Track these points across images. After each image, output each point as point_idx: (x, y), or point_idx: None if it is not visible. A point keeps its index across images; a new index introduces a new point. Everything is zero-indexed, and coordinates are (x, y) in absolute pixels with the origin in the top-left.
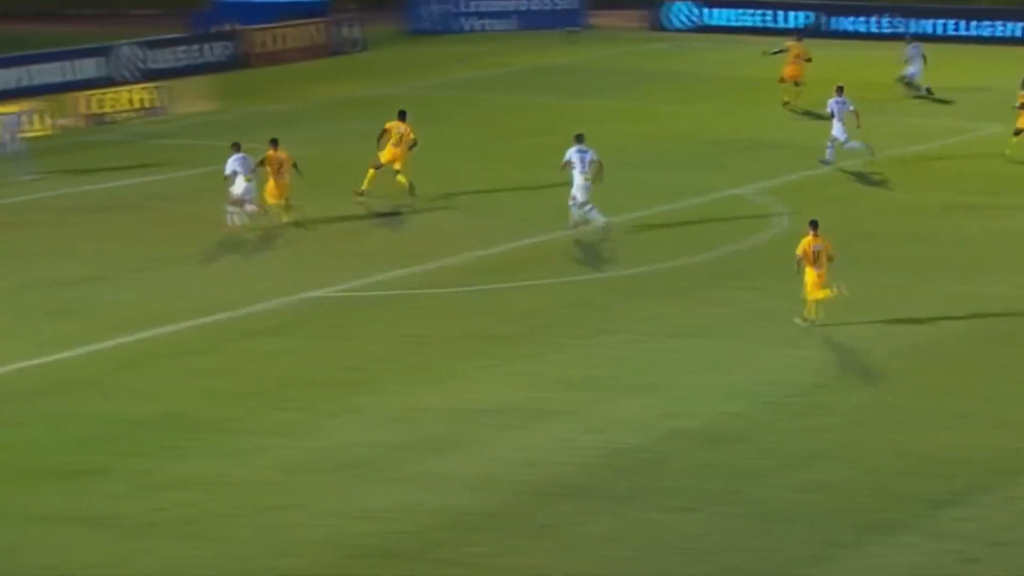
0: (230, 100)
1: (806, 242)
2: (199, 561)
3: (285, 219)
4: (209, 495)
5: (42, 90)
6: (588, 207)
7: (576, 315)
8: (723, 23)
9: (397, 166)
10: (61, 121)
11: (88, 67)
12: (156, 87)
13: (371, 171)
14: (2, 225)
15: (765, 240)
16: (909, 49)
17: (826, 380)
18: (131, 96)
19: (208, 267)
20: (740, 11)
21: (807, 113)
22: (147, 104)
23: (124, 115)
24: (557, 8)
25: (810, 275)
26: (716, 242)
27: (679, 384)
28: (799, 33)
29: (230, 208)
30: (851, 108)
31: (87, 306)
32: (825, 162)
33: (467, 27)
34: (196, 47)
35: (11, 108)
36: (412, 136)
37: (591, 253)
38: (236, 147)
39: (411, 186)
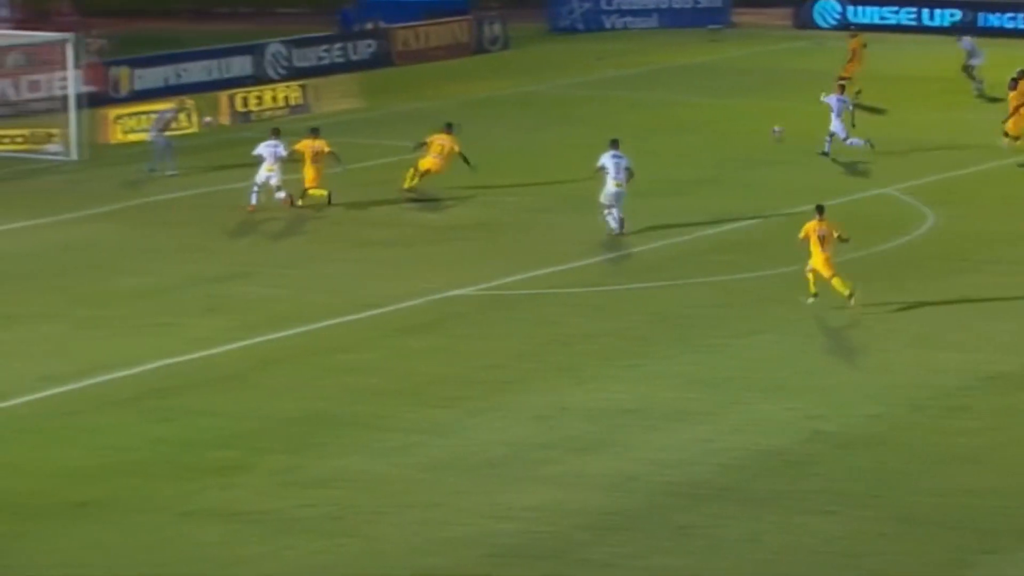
0: (373, 98)
1: (810, 226)
2: (342, 558)
3: (300, 202)
4: (352, 492)
5: (191, 88)
6: (612, 210)
7: (720, 315)
8: (869, 21)
9: (426, 165)
10: (208, 119)
11: (236, 65)
12: (301, 85)
13: (412, 170)
14: (152, 223)
15: (911, 240)
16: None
17: (967, 382)
18: (277, 94)
19: (355, 264)
20: (886, 9)
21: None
22: (292, 102)
23: (270, 113)
24: (700, 6)
25: (818, 257)
26: (861, 242)
27: (820, 386)
28: (853, 28)
29: (255, 188)
30: (850, 108)
31: (235, 302)
32: (824, 154)
33: (609, 25)
34: (341, 45)
35: (161, 105)
36: (457, 149)
37: (736, 253)
38: (275, 133)
39: (412, 188)
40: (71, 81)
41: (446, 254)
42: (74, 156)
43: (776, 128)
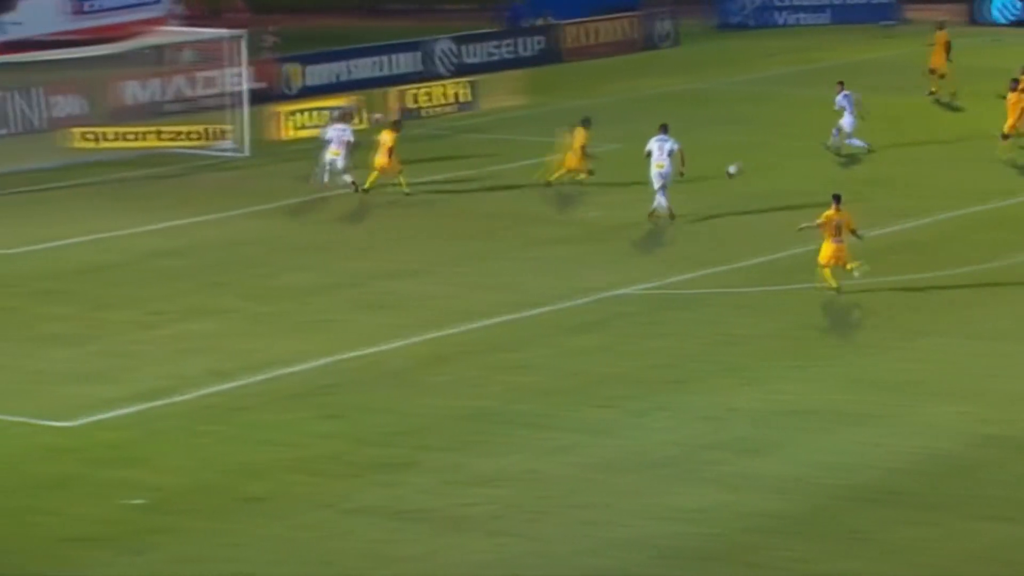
0: (541, 95)
1: (829, 215)
2: (505, 558)
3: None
4: (516, 491)
5: (360, 85)
6: (658, 193)
7: (892, 316)
8: None
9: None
10: (377, 115)
11: (403, 62)
12: (469, 82)
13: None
14: (320, 219)
15: None
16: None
17: None
18: (444, 91)
19: (520, 262)
20: None
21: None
22: (460, 99)
23: (437, 110)
24: (872, 2)
25: (828, 247)
26: None
27: (994, 390)
28: (941, 23)
29: (319, 170)
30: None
31: (400, 300)
32: (830, 146)
33: (780, 21)
34: (509, 42)
35: (335, 102)
36: (580, 143)
37: (905, 254)
38: (344, 117)
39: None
40: (244, 77)
41: (612, 252)
42: (246, 152)
43: (731, 168)
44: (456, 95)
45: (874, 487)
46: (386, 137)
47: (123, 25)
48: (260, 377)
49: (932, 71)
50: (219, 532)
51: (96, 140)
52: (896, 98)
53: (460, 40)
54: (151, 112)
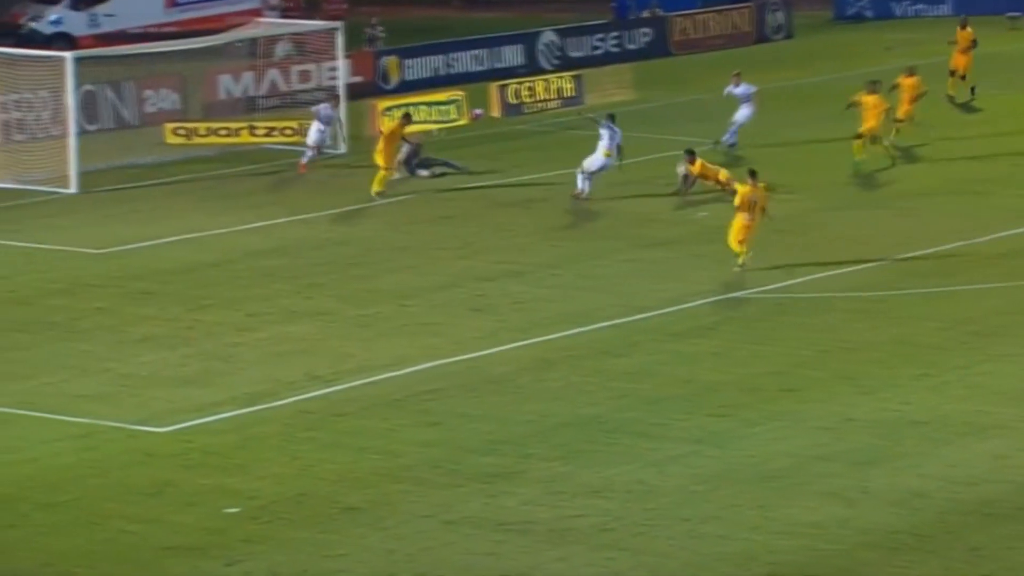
0: (649, 89)
1: (745, 191)
2: (612, 573)
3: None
4: (624, 503)
5: (461, 79)
6: (590, 176)
7: (1018, 322)
8: None
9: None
10: (478, 111)
11: (508, 55)
12: (574, 76)
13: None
14: (418, 218)
15: None
16: None
17: None
18: (549, 85)
19: (628, 264)
20: None
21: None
22: (565, 93)
23: (541, 104)
24: None
25: (739, 221)
26: None
27: None
28: (963, 21)
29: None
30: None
31: (504, 303)
32: (729, 144)
33: (899, 13)
34: (615, 34)
35: (434, 96)
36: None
37: None
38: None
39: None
40: (341, 71)
41: (724, 254)
42: (342, 149)
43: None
44: (560, 90)
45: (998, 502)
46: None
47: (217, 17)
48: (359, 382)
49: (953, 72)
50: (317, 542)
51: (188, 136)
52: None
53: (564, 33)
54: (244, 107)
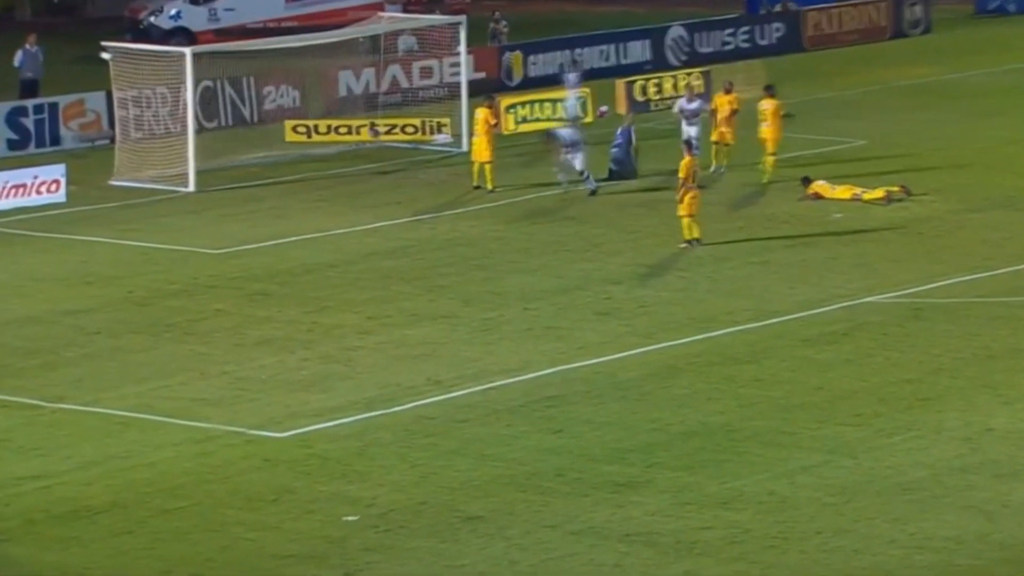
0: (780, 86)
1: (686, 163)
2: None
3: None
4: (753, 515)
5: (586, 75)
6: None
7: None
8: None
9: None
10: (604, 108)
11: (632, 51)
12: (703, 72)
13: None
14: (542, 219)
15: None
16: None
17: None
18: (676, 81)
19: (757, 267)
20: None
21: None
22: (692, 90)
23: (668, 102)
24: None
25: (689, 195)
26: None
27: None
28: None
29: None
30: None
31: (630, 306)
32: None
33: None
34: (746, 29)
35: (558, 94)
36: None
37: None
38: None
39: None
40: (463, 67)
41: (857, 256)
42: (464, 148)
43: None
44: (688, 86)
45: None
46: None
47: (339, 12)
48: (481, 387)
49: None
50: (437, 552)
51: (308, 134)
52: None
53: (693, 27)
54: (365, 104)
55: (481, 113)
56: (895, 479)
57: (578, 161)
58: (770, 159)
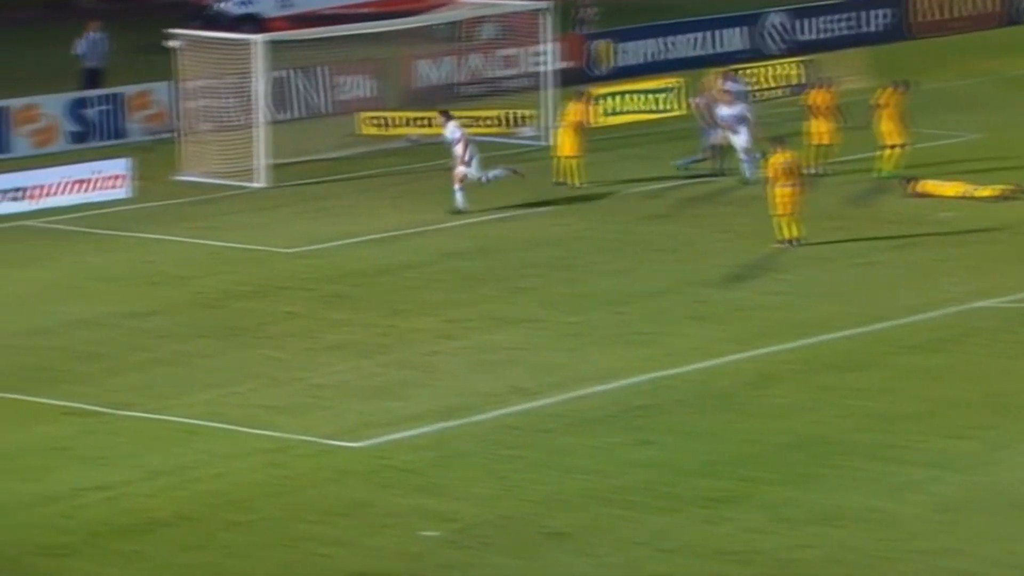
0: (886, 76)
1: (774, 160)
2: None
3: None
4: (855, 532)
5: (678, 64)
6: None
7: None
8: None
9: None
10: (699, 100)
11: (728, 38)
12: (803, 61)
13: None
14: (631, 217)
15: None
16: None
17: None
18: (775, 71)
19: (860, 269)
20: None
21: None
22: (791, 80)
23: (766, 93)
24: None
25: (781, 193)
26: None
27: None
28: None
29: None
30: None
31: (727, 311)
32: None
33: None
34: (850, 15)
35: (648, 84)
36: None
37: None
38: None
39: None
40: (548, 56)
41: (968, 258)
42: (549, 141)
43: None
44: (787, 76)
45: None
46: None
47: None
48: (567, 396)
49: None
50: (520, 569)
51: (383, 126)
52: None
53: (793, 14)
54: (444, 95)
55: (572, 107)
56: (1007, 496)
57: (742, 138)
58: (893, 152)
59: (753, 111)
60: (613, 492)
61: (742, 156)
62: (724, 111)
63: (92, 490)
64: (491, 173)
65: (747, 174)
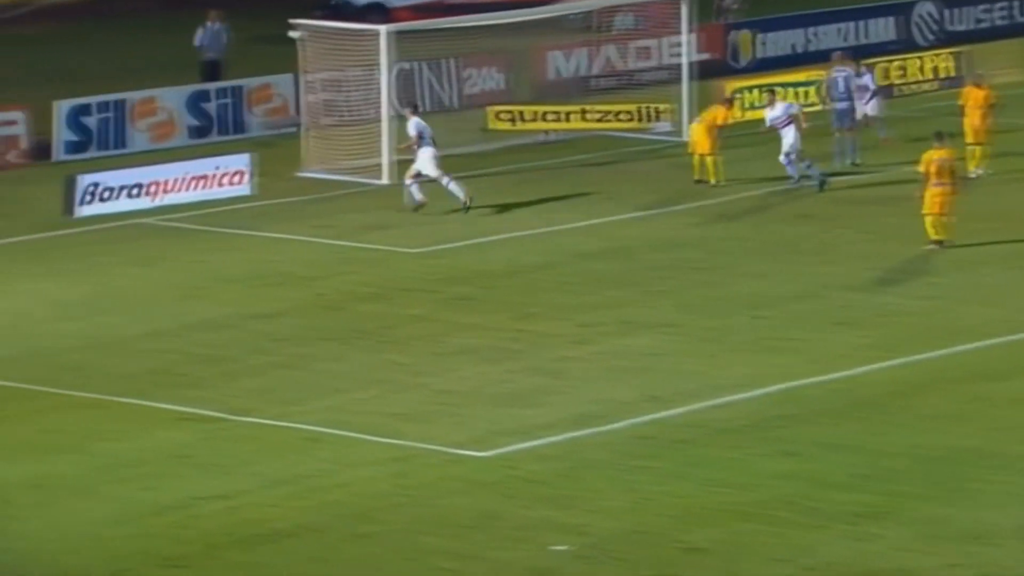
0: None
1: (929, 156)
2: None
3: None
4: (1012, 552)
5: (822, 57)
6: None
7: None
8: None
9: None
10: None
11: (877, 29)
12: (955, 53)
13: None
14: (776, 217)
15: None
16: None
17: None
18: (924, 64)
19: (1021, 273)
20: None
21: None
22: (943, 74)
23: (915, 86)
24: None
25: (932, 193)
26: None
27: None
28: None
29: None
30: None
31: (869, 315)
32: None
33: None
34: (1004, 5)
35: (792, 77)
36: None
37: None
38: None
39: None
40: (685, 48)
41: None
42: (685, 137)
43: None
44: (938, 69)
45: None
46: None
47: None
48: (704, 404)
49: None
50: None
51: (513, 120)
52: None
53: (944, 3)
54: (576, 88)
55: (713, 110)
56: None
57: (787, 140)
58: None
59: (800, 111)
60: (753, 506)
61: (781, 158)
62: (770, 112)
63: (210, 499)
64: (450, 183)
65: (794, 175)
